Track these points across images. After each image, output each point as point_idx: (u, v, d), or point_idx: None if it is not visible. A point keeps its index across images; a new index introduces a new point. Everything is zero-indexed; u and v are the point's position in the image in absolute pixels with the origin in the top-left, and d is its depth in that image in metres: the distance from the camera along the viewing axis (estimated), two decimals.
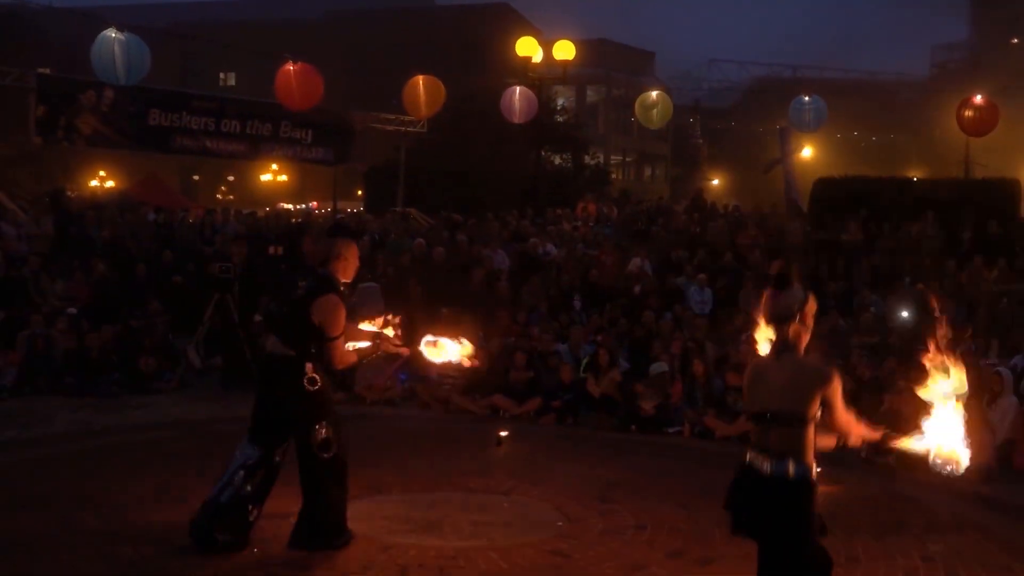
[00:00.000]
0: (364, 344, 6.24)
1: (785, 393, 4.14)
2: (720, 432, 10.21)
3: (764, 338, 4.34)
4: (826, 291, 13.66)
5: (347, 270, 6.06)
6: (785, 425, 4.11)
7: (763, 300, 4.30)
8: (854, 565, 6.15)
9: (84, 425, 10.12)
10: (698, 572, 5.97)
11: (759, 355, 4.37)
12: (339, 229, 6.47)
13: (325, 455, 5.96)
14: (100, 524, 6.51)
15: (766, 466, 4.12)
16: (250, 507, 5.97)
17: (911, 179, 27.46)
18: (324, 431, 5.95)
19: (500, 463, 8.98)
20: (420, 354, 6.42)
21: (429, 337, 6.38)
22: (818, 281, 13.99)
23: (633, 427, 10.70)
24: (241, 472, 5.94)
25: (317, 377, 5.96)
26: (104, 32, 14.29)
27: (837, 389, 4.18)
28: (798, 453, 4.10)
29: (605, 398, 11.16)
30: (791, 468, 4.09)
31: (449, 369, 6.41)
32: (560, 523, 6.90)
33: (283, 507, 6.17)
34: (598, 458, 9.23)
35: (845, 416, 4.25)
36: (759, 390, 4.24)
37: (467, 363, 6.56)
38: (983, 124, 18.70)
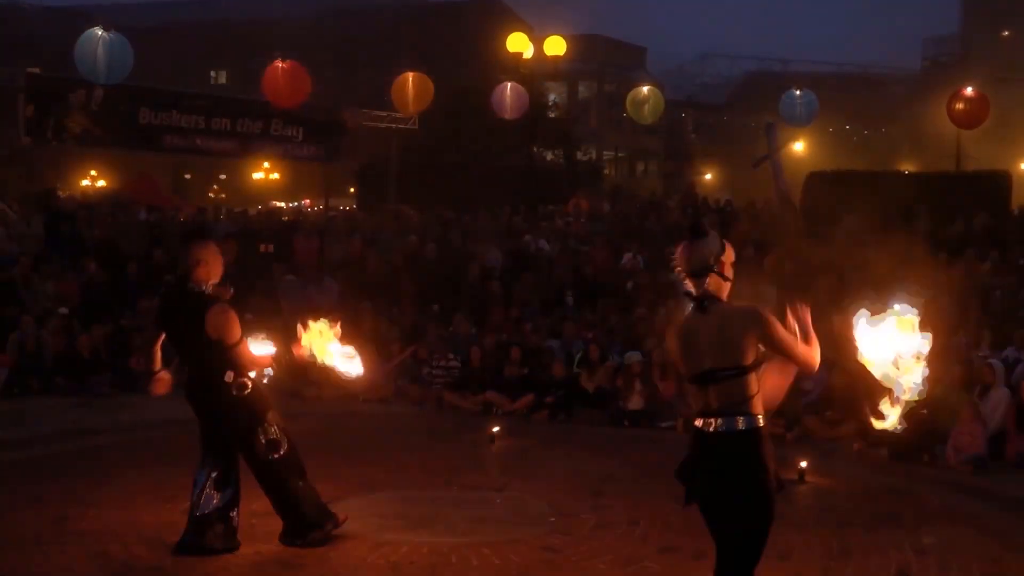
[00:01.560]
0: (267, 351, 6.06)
1: (718, 347, 3.92)
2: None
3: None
4: (818, 285, 13.65)
5: (211, 272, 5.83)
6: (725, 380, 3.90)
7: (678, 252, 4.09)
8: (847, 557, 6.16)
9: (75, 425, 10.10)
10: (691, 566, 5.96)
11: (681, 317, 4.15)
12: (189, 236, 6.20)
13: (275, 455, 5.93)
14: (92, 524, 6.49)
15: (713, 425, 3.93)
16: (231, 513, 5.95)
17: (903, 172, 27.55)
18: (267, 433, 5.89)
19: (493, 459, 8.98)
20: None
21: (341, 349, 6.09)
22: (811, 274, 13.99)
23: (626, 422, 10.71)
24: (209, 486, 5.87)
25: (244, 381, 5.85)
26: (89, 30, 14.23)
27: (774, 324, 3.93)
28: (743, 404, 3.89)
29: (598, 394, 11.16)
30: (739, 422, 3.89)
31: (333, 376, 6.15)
32: (553, 519, 6.90)
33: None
34: (591, 453, 9.24)
35: (797, 346, 3.99)
36: (691, 351, 4.01)
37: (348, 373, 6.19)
38: (974, 116, 18.72)
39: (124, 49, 14.37)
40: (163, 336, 6.08)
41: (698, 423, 4.03)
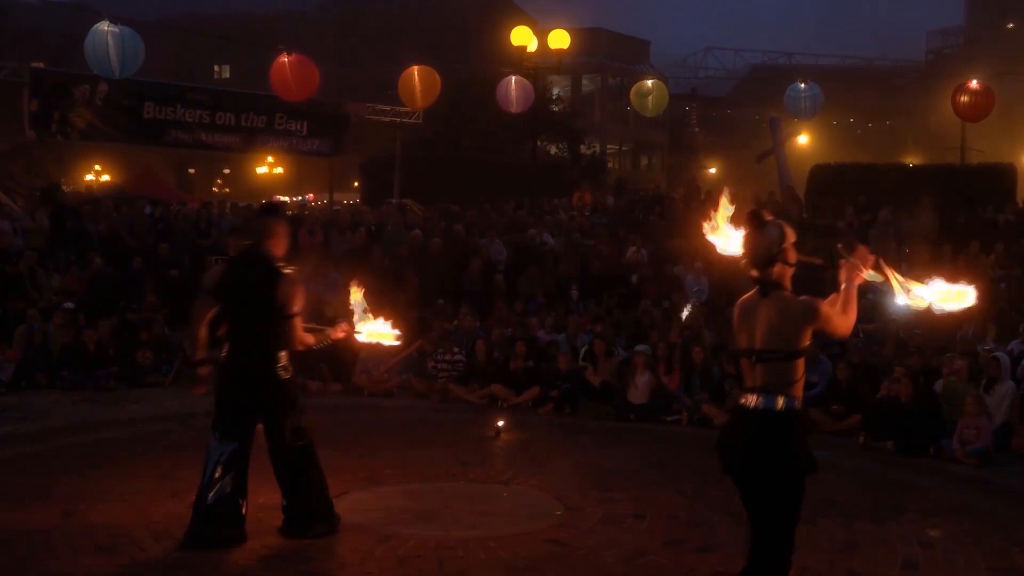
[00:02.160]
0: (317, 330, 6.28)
1: (773, 331, 4.19)
2: (718, 420, 10.20)
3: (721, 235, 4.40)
4: (823, 277, 13.64)
5: (280, 247, 6.02)
6: (772, 361, 4.17)
7: (743, 241, 4.29)
8: (853, 550, 6.17)
9: (82, 419, 10.12)
10: (697, 559, 5.97)
11: (745, 295, 4.39)
12: (269, 209, 6.46)
13: (300, 443, 6.00)
14: (99, 517, 6.50)
15: (754, 401, 4.18)
16: (240, 500, 5.97)
17: (907, 165, 27.51)
18: (296, 420, 5.99)
19: (498, 453, 8.99)
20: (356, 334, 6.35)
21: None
22: (813, 268, 13.98)
23: (631, 416, 10.71)
24: (219, 468, 5.90)
25: (288, 365, 6.01)
26: (97, 25, 14.23)
27: (827, 313, 4.21)
28: (786, 387, 4.15)
29: (604, 387, 11.16)
30: (780, 402, 4.14)
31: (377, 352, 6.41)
32: (559, 512, 6.90)
33: (280, 499, 6.15)
34: (596, 447, 9.24)
35: (841, 318, 4.26)
36: (746, 329, 4.28)
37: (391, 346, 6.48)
38: (978, 109, 18.68)
39: (135, 42, 14.37)
40: (210, 312, 6.03)
41: (741, 399, 4.28)
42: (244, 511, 6.00)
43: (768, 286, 4.24)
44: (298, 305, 5.90)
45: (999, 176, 19.31)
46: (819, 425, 10.00)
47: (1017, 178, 19.88)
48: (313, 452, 6.09)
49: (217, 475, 5.89)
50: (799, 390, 4.20)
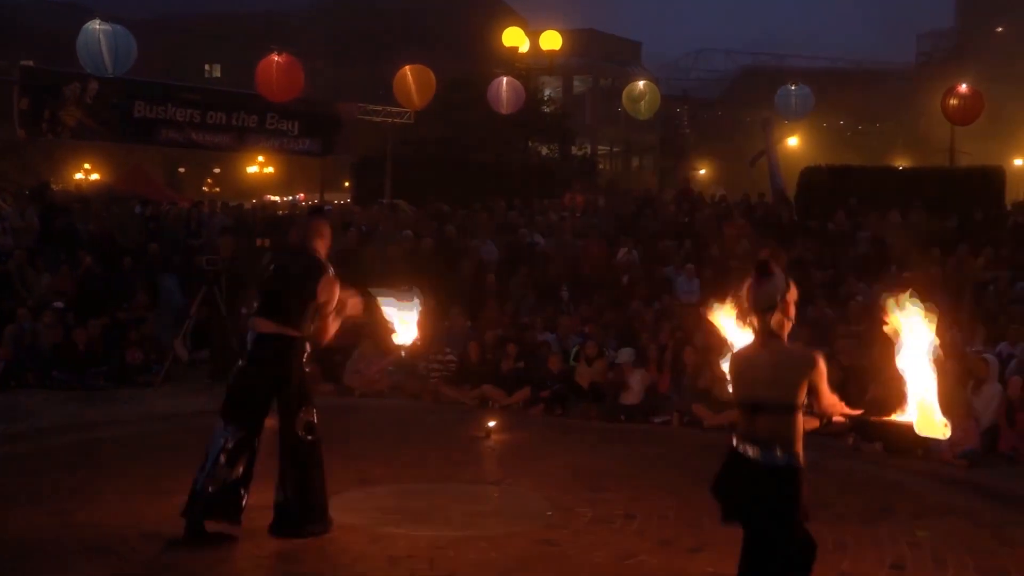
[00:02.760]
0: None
1: (773, 382, 4.15)
2: (708, 421, 10.25)
3: (730, 323, 4.43)
4: (813, 279, 13.71)
5: (325, 248, 6.29)
6: (773, 413, 4.13)
7: (745, 288, 4.29)
8: (842, 551, 6.20)
9: (71, 419, 10.09)
10: (688, 560, 6.00)
11: (740, 344, 4.39)
12: (317, 211, 6.82)
13: (309, 437, 6.07)
14: (89, 517, 6.50)
15: (754, 454, 4.14)
16: (242, 491, 6.03)
17: (897, 168, 27.61)
18: (309, 415, 6.10)
19: (489, 453, 9.01)
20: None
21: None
22: (805, 268, 14.04)
23: (622, 417, 10.74)
24: (222, 456, 5.95)
25: (311, 360, 6.23)
26: (88, 24, 14.18)
27: (823, 373, 4.20)
28: (786, 441, 4.11)
29: (594, 388, 11.19)
30: (779, 456, 4.11)
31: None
32: (550, 513, 6.92)
33: (272, 498, 6.16)
34: (587, 448, 9.27)
35: (830, 398, 4.28)
36: (745, 379, 4.25)
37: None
38: (968, 112, 18.76)
39: (127, 40, 14.34)
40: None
41: (738, 444, 4.22)
42: (244, 503, 6.05)
43: (767, 335, 4.22)
44: (334, 302, 6.14)
45: (988, 179, 19.39)
46: (808, 427, 10.04)
47: (1006, 181, 19.97)
48: (318, 451, 6.16)
49: (222, 461, 5.93)
50: (799, 444, 4.16)
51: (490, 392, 11.37)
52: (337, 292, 6.17)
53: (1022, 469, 8.78)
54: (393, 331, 6.41)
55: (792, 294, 4.27)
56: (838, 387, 9.96)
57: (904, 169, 26.02)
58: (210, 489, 5.92)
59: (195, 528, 5.92)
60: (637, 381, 10.87)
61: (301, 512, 6.09)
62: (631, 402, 10.85)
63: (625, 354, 11.22)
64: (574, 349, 11.85)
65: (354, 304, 6.37)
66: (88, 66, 14.56)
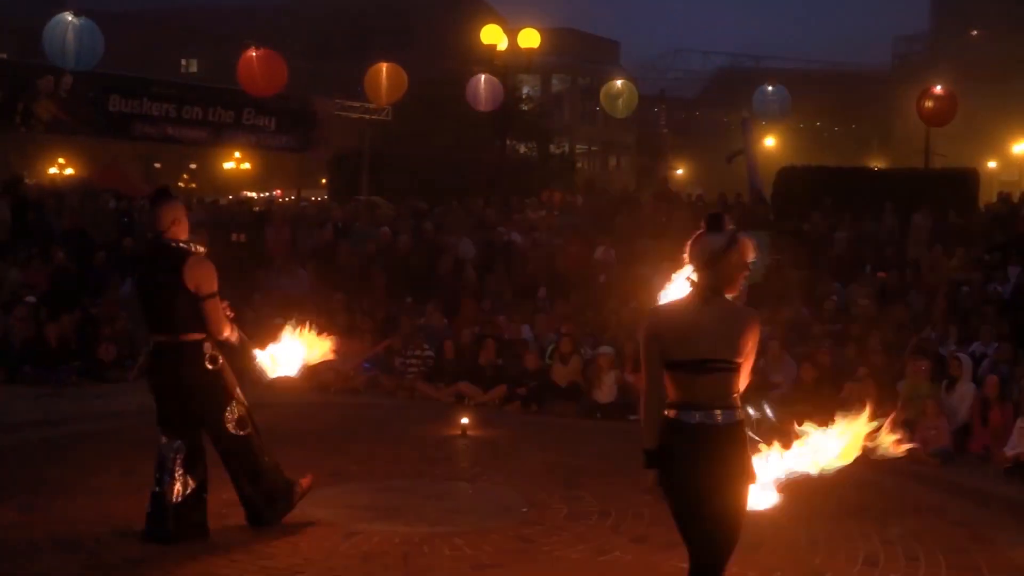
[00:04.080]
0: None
1: (717, 339, 3.90)
2: None
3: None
4: (789, 280, 13.77)
5: (181, 231, 5.87)
6: (718, 372, 3.90)
7: (691, 241, 4.05)
8: (815, 548, 6.23)
9: (44, 414, 9.98)
10: (663, 556, 5.99)
11: (677, 298, 4.11)
12: (157, 196, 6.19)
13: (242, 432, 5.92)
14: (60, 513, 6.43)
15: (716, 416, 3.90)
16: (204, 495, 5.95)
17: (872, 168, 27.81)
18: (235, 411, 5.90)
19: (464, 450, 8.99)
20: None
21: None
22: (780, 268, 14.11)
23: (597, 415, 10.75)
24: (180, 470, 5.84)
25: (217, 354, 5.87)
26: (58, 15, 14.03)
27: (756, 341, 4.02)
28: (732, 398, 3.93)
29: (570, 386, 11.19)
30: (736, 415, 3.93)
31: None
32: (525, 509, 6.91)
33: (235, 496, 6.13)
34: (563, 445, 9.26)
35: (749, 366, 4.04)
36: (684, 338, 3.92)
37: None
38: (942, 114, 18.92)
39: (94, 35, 14.19)
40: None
41: (675, 414, 3.94)
42: (206, 504, 5.97)
43: (711, 291, 3.95)
44: (211, 285, 5.72)
45: (962, 181, 19.56)
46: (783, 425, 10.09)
47: (979, 183, 20.16)
48: (258, 439, 6.01)
49: (179, 473, 5.84)
50: (739, 400, 3.98)
51: (466, 389, 11.35)
52: (210, 272, 5.72)
53: (994, 467, 8.85)
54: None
55: (741, 250, 3.98)
56: (813, 386, 10.07)
57: (880, 170, 26.22)
58: (177, 499, 5.83)
59: (164, 539, 5.83)
60: (610, 380, 10.87)
61: (266, 501, 6.05)
62: (606, 400, 10.85)
63: (603, 351, 11.22)
64: (550, 347, 11.86)
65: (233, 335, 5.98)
66: (52, 58, 14.40)
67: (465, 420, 9.61)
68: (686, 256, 4.06)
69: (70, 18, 14.05)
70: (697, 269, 4.00)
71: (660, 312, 4.10)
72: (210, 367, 5.81)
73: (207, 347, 5.81)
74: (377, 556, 5.82)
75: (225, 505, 6.22)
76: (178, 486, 5.83)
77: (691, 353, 3.91)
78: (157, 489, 5.87)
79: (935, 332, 11.56)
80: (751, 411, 4.19)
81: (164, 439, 5.91)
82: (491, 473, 7.93)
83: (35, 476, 7.35)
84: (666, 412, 3.98)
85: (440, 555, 5.88)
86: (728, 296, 4.02)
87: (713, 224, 4.03)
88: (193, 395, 5.84)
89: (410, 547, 5.97)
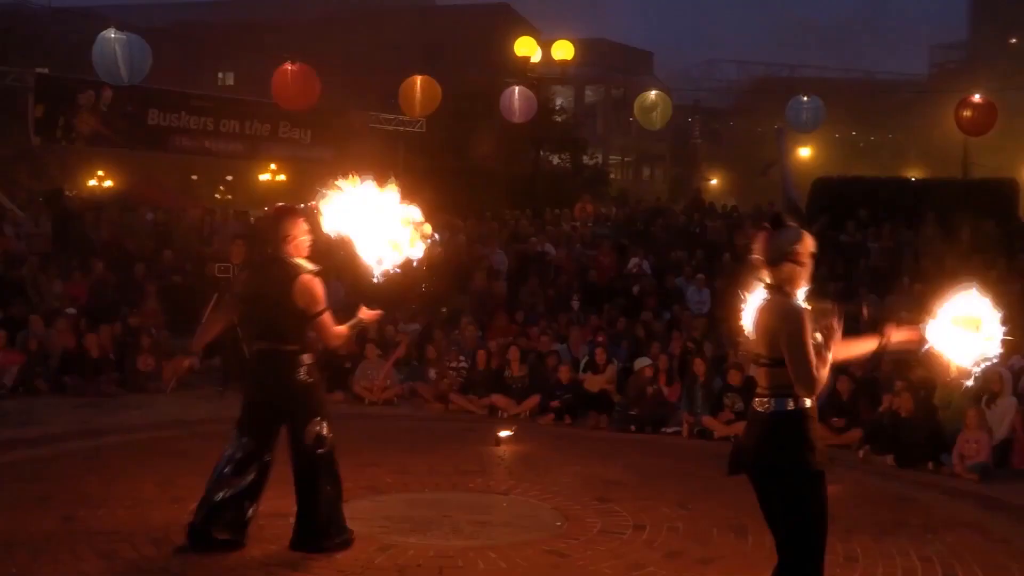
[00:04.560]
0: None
1: (763, 337, 4.18)
2: (718, 432, 10.23)
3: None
4: (825, 291, 13.65)
5: (299, 248, 5.97)
6: (770, 367, 4.15)
7: (760, 241, 4.23)
8: (852, 564, 6.17)
9: (83, 425, 10.12)
10: (697, 572, 5.97)
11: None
12: (282, 211, 6.32)
13: (320, 451, 5.96)
14: (99, 523, 6.51)
15: (766, 405, 4.16)
16: (246, 503, 5.95)
17: (909, 179, 27.54)
18: (320, 426, 5.96)
19: (498, 463, 9.00)
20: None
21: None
22: (816, 279, 14.00)
23: (631, 427, 10.72)
24: (229, 467, 5.90)
25: (314, 368, 5.99)
26: (104, 32, 14.27)
27: (794, 334, 4.04)
28: (789, 389, 4.09)
29: (603, 397, 11.18)
30: (788, 403, 4.11)
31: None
32: (559, 523, 6.91)
33: (283, 507, 6.15)
34: (596, 458, 9.24)
35: (799, 361, 4.05)
36: (755, 334, 4.27)
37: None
38: (981, 124, 18.68)
39: (142, 49, 14.42)
40: (222, 320, 6.14)
41: (753, 403, 4.28)
42: (249, 515, 5.98)
43: (775, 289, 4.19)
44: (322, 302, 5.90)
45: (1001, 191, 19.33)
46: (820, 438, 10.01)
47: (1019, 193, 19.91)
48: (332, 463, 6.03)
49: (227, 471, 5.90)
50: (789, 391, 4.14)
51: (499, 401, 11.36)
52: (318, 291, 5.88)
53: None
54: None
55: (806, 244, 4.19)
56: (850, 399, 9.97)
57: (917, 180, 25.96)
58: (216, 497, 5.91)
59: (200, 534, 5.90)
60: (646, 393, 10.85)
61: (314, 529, 6.02)
62: (641, 413, 10.83)
63: (643, 363, 11.19)
64: (584, 359, 11.85)
65: (369, 316, 6.20)
66: (104, 75, 14.66)
67: (505, 432, 9.61)
68: (756, 256, 4.26)
69: (115, 34, 14.27)
70: (765, 267, 4.22)
71: (756, 309, 4.35)
72: (306, 378, 5.94)
73: (304, 358, 5.94)
74: (412, 569, 5.84)
75: (264, 517, 6.26)
76: (222, 481, 5.89)
77: (754, 349, 4.30)
78: (209, 484, 5.94)
79: None
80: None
81: (233, 438, 5.98)
82: (525, 486, 7.93)
83: (76, 487, 7.45)
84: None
85: (474, 569, 5.90)
86: (792, 292, 4.19)
87: (778, 223, 4.24)
88: (285, 402, 5.94)
89: (445, 561, 5.99)
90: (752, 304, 4.31)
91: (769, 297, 4.18)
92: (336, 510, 6.11)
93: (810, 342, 4.06)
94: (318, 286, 5.92)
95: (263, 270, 6.12)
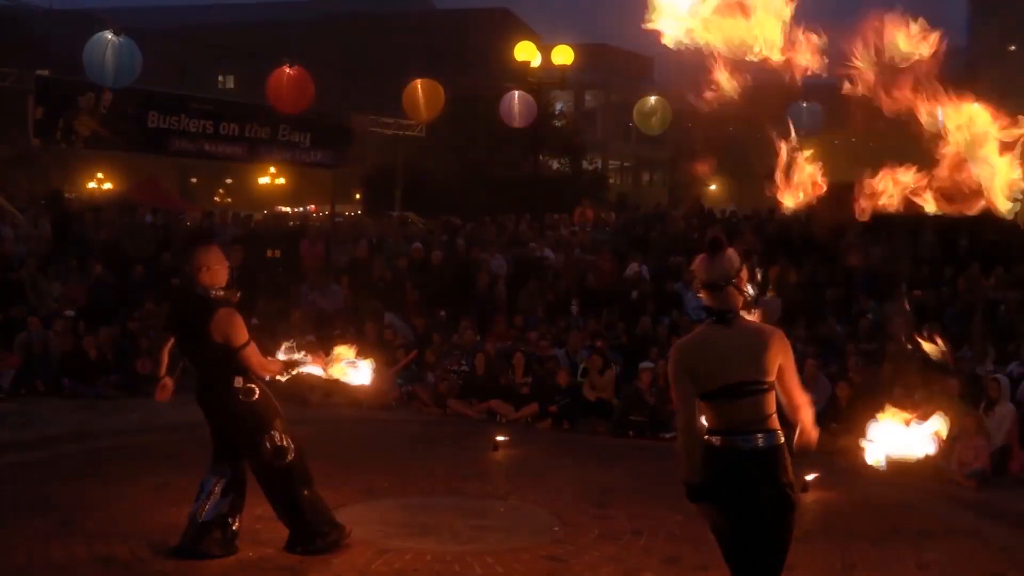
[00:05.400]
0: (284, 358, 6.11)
1: (746, 362, 3.92)
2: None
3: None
4: (824, 297, 13.68)
5: (215, 277, 5.87)
6: (752, 395, 3.90)
7: (696, 265, 4.08)
8: (851, 571, 6.17)
9: (81, 427, 10.13)
10: None
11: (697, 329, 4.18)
12: (192, 241, 6.28)
13: (280, 463, 5.91)
14: (96, 525, 6.51)
15: (756, 440, 3.90)
16: (230, 520, 5.97)
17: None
18: (273, 440, 5.89)
19: (497, 468, 8.99)
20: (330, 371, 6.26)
21: (348, 358, 6.26)
22: (816, 286, 14.03)
23: (629, 432, 10.71)
24: (217, 490, 5.91)
25: (252, 387, 5.89)
26: (99, 34, 14.26)
27: (791, 355, 4.02)
28: (770, 421, 3.93)
29: (601, 403, 11.17)
30: (778, 437, 3.93)
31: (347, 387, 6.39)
32: (556, 528, 6.91)
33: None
34: (594, 463, 9.24)
35: (796, 388, 4.03)
36: (713, 365, 3.94)
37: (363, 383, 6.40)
38: None
39: (132, 53, 14.39)
40: (171, 340, 6.12)
41: (718, 441, 3.95)
42: (235, 529, 6.00)
43: (728, 313, 3.98)
44: (240, 337, 5.75)
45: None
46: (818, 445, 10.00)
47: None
48: (301, 469, 6.00)
49: (215, 495, 5.90)
50: (776, 421, 3.98)
51: (498, 406, 11.35)
52: (238, 324, 5.73)
53: None
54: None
55: (744, 271, 4.05)
56: (847, 406, 9.97)
57: None
58: (202, 518, 5.89)
59: (189, 554, 5.88)
60: (645, 399, 10.84)
61: (302, 534, 6.03)
62: (639, 418, 10.82)
63: (644, 367, 11.17)
64: (582, 365, 11.84)
65: (315, 362, 6.11)
66: (91, 75, 14.63)
67: (502, 437, 9.62)
68: (693, 279, 4.14)
69: (110, 36, 14.26)
70: (706, 291, 4.04)
71: (685, 346, 4.10)
72: (243, 399, 5.87)
73: (237, 381, 5.85)
74: (409, 574, 5.85)
75: (259, 520, 6.26)
76: (208, 505, 5.89)
77: (724, 380, 3.93)
78: (193, 507, 5.94)
79: (972, 352, 11.43)
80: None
81: (211, 463, 6.00)
82: (523, 491, 7.92)
83: (73, 490, 7.44)
84: (709, 439, 3.98)
85: (471, 573, 5.89)
86: (745, 315, 4.03)
87: (716, 246, 4.07)
88: (229, 425, 5.94)
89: (442, 565, 5.98)
90: (690, 337, 4.13)
91: (731, 320, 3.98)
92: (321, 508, 6.10)
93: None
94: (236, 320, 5.78)
95: (181, 304, 6.13)
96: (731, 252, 4.07)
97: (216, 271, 5.88)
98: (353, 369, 6.21)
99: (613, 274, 15.33)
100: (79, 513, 6.78)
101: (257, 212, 27.68)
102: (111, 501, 7.11)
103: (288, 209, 37.04)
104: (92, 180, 37.40)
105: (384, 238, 17.17)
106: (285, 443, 5.94)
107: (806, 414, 4.09)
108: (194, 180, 46.76)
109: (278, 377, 6.01)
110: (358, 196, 33.74)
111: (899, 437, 4.34)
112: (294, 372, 6.07)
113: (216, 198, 45.48)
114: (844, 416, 10.07)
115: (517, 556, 6.21)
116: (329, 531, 6.10)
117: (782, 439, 3.97)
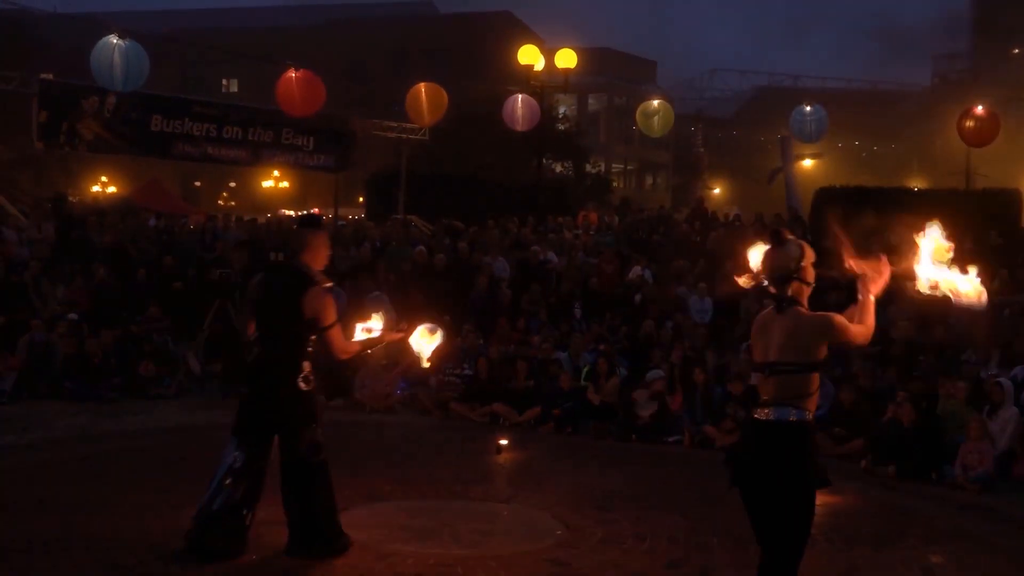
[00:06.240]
0: (365, 336, 6.24)
1: (788, 344, 4.30)
2: (720, 441, 10.19)
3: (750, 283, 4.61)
4: (827, 301, 13.63)
5: (317, 259, 6.02)
6: (785, 374, 4.27)
7: (762, 259, 4.47)
8: (854, 574, 6.14)
9: (83, 430, 10.12)
10: None
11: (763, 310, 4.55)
12: (306, 221, 6.44)
13: (313, 459, 5.94)
14: (99, 529, 6.49)
15: (767, 414, 4.28)
16: (244, 512, 5.93)
17: (912, 189, 27.53)
18: (315, 434, 5.93)
19: (499, 471, 8.98)
20: (411, 343, 6.37)
21: (428, 324, 6.41)
22: (818, 289, 13.97)
23: (633, 436, 10.70)
24: (229, 478, 5.88)
25: (312, 377, 5.97)
26: (105, 38, 14.29)
27: (842, 324, 4.33)
28: (798, 400, 4.26)
29: (605, 407, 11.15)
30: (792, 414, 4.25)
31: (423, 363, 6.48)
32: (559, 532, 6.89)
33: (280, 515, 6.12)
34: (598, 467, 9.22)
35: (858, 328, 4.39)
36: (762, 343, 4.41)
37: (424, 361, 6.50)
38: (984, 134, 18.68)
39: (140, 57, 14.44)
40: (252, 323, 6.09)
41: (755, 413, 4.36)
42: (248, 522, 5.97)
43: (785, 302, 4.37)
44: (331, 316, 5.89)
45: (1004, 201, 19.29)
46: (822, 448, 9.98)
47: (1022, 203, 19.87)
48: (326, 471, 6.02)
49: (227, 483, 5.87)
50: (812, 404, 4.32)
51: (500, 410, 11.34)
52: (329, 304, 5.88)
53: None
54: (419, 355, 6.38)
55: (808, 258, 4.42)
56: (853, 408, 9.96)
57: (920, 190, 25.94)
58: (214, 506, 5.88)
59: (198, 543, 5.88)
60: (650, 402, 10.83)
61: (309, 536, 6.01)
62: (643, 422, 10.80)
63: (655, 374, 11.12)
64: (585, 368, 11.83)
65: (393, 338, 6.25)
66: (99, 79, 14.67)
67: (504, 441, 9.61)
68: (760, 272, 4.49)
69: (115, 40, 14.29)
70: (772, 282, 4.42)
71: (755, 324, 4.56)
72: (303, 387, 5.92)
73: (304, 366, 5.93)
74: None
75: (262, 524, 6.24)
76: (221, 490, 5.87)
77: (764, 357, 4.39)
78: (206, 495, 5.92)
79: (976, 355, 11.40)
80: None
81: (231, 446, 5.95)
82: (526, 495, 7.91)
83: (75, 492, 7.43)
84: (750, 411, 4.41)
85: None
86: (802, 302, 4.40)
87: (778, 239, 4.43)
88: (280, 409, 5.92)
89: (444, 569, 5.97)
90: (760, 315, 4.49)
91: (785, 309, 4.36)
92: (333, 516, 6.11)
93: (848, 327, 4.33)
94: (329, 299, 5.94)
95: (274, 275, 6.17)
96: (792, 245, 4.42)
97: (319, 255, 6.03)
98: (433, 334, 6.33)
99: (616, 277, 15.33)
100: (81, 516, 6.75)
101: (261, 215, 27.72)
102: (113, 504, 7.09)
103: (292, 212, 37.09)
104: (96, 183, 37.49)
105: (387, 241, 17.17)
106: (321, 441, 5.98)
107: (870, 299, 4.46)
108: (198, 184, 46.85)
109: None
110: (361, 199, 33.73)
111: (947, 274, 4.72)
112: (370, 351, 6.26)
113: (220, 201, 45.53)
114: (847, 420, 10.07)
115: (520, 560, 6.20)
116: (334, 539, 6.09)
117: (809, 419, 4.28)
